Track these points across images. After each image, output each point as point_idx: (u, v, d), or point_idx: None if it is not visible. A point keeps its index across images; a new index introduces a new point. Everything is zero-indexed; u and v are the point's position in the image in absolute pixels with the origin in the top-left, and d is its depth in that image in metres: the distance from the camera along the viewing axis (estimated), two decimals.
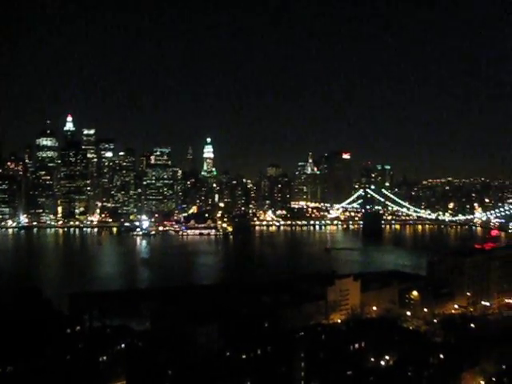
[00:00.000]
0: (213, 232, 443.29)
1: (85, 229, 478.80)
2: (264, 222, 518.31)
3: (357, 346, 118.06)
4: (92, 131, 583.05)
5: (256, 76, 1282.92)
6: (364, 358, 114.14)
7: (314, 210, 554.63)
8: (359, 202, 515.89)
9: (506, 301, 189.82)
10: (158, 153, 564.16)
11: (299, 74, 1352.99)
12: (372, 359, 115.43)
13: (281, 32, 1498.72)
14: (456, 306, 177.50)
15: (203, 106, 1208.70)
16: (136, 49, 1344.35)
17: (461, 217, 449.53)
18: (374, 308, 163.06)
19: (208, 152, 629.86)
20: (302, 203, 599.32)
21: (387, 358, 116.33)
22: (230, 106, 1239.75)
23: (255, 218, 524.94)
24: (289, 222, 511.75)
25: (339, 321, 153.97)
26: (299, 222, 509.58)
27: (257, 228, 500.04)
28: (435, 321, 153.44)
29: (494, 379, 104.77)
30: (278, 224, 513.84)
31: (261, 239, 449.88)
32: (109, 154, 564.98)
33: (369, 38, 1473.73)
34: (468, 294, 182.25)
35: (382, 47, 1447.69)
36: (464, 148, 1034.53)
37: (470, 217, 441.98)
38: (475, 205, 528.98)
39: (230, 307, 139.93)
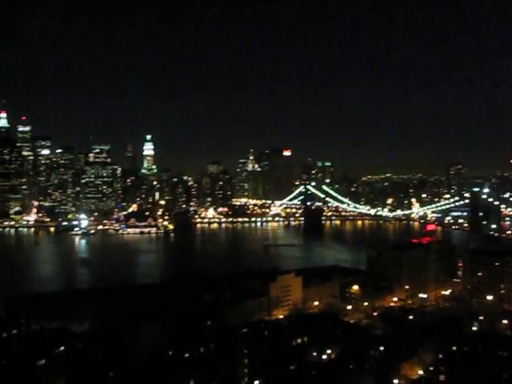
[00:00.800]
0: (153, 230, 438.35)
1: (21, 229, 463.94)
2: (205, 220, 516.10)
3: (299, 340, 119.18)
4: (28, 128, 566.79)
5: (196, 72, 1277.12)
6: (306, 353, 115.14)
7: (256, 207, 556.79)
8: (300, 198, 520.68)
9: (443, 292, 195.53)
10: (97, 150, 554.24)
11: (239, 70, 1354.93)
12: (314, 353, 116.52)
13: (215, 28, 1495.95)
14: (395, 299, 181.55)
15: (143, 102, 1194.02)
16: (72, 44, 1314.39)
17: (399, 212, 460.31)
18: (316, 303, 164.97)
19: (148, 149, 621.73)
20: (244, 200, 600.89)
21: (329, 351, 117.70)
22: (171, 102, 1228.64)
23: (196, 216, 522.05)
24: (230, 219, 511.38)
25: (282, 316, 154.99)
26: (241, 219, 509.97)
27: (198, 225, 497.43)
28: (375, 314, 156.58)
29: (431, 368, 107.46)
30: (219, 221, 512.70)
31: (202, 237, 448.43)
32: (45, 152, 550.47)
33: (309, 35, 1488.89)
34: (406, 287, 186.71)
35: (322, 47, 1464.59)
36: (401, 145, 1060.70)
37: (407, 212, 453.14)
38: (413, 200, 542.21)
39: (171, 305, 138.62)
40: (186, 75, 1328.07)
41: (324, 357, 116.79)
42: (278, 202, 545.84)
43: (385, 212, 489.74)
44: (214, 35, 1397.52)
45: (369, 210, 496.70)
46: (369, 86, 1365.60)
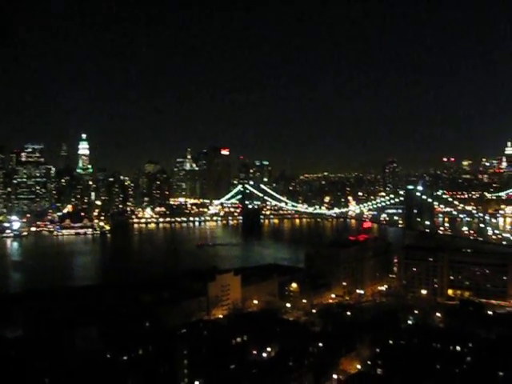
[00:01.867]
0: (89, 231, 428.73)
1: None
2: (143, 220, 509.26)
3: (239, 339, 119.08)
4: None
5: (132, 71, 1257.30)
6: (246, 351, 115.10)
7: (194, 207, 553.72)
8: (238, 197, 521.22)
9: (379, 288, 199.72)
10: (30, 149, 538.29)
11: (175, 69, 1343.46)
12: (254, 352, 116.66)
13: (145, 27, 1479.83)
14: (333, 296, 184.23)
15: (78, 100, 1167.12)
16: (4, 42, 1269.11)
17: (336, 210, 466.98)
18: (255, 301, 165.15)
19: (83, 148, 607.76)
20: (181, 200, 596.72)
21: (269, 349, 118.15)
22: (107, 101, 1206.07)
23: (133, 216, 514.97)
24: (168, 219, 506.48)
25: (221, 316, 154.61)
26: (178, 219, 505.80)
27: (135, 226, 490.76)
28: (314, 311, 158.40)
29: (369, 362, 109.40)
30: (157, 221, 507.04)
31: (140, 237, 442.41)
32: None
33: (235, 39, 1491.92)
34: (344, 283, 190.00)
35: (254, 45, 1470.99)
36: (338, 144, 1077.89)
37: (344, 210, 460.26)
38: (349, 198, 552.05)
39: (108, 307, 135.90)
40: (121, 73, 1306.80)
41: (264, 355, 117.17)
42: (216, 202, 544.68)
43: (322, 210, 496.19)
44: (148, 33, 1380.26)
45: (307, 208, 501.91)
46: (305, 85, 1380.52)
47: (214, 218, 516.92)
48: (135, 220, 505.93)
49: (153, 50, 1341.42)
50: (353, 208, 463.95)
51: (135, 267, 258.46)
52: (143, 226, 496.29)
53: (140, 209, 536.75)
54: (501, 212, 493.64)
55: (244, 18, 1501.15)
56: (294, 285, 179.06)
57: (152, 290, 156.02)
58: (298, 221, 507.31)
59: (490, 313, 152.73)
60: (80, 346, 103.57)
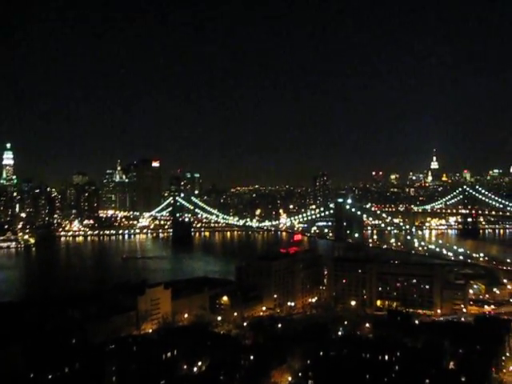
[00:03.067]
0: (13, 245, 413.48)
1: None
2: (70, 233, 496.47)
3: (169, 354, 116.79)
4: None
5: (59, 79, 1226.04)
6: (177, 366, 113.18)
7: (123, 219, 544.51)
8: (169, 210, 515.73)
9: (309, 300, 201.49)
10: None
11: (107, 79, 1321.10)
12: (185, 366, 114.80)
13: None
14: (264, 308, 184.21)
15: (2, 108, 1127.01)
16: None
17: (267, 223, 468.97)
18: (186, 315, 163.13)
19: (7, 158, 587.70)
20: (111, 212, 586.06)
21: (200, 363, 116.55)
22: (33, 108, 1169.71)
23: (60, 229, 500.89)
24: (96, 232, 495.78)
25: (151, 331, 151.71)
26: (107, 232, 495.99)
27: (62, 239, 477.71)
28: (245, 324, 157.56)
29: (300, 374, 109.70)
30: (85, 234, 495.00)
31: (67, 251, 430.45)
32: None
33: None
34: (275, 296, 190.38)
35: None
36: (269, 157, 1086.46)
37: (275, 222, 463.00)
38: (280, 211, 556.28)
39: (33, 324, 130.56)
40: (48, 80, 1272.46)
41: (195, 369, 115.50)
42: (146, 214, 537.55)
43: (253, 223, 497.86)
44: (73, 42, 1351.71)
45: (238, 220, 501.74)
46: (233, 98, 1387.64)
47: (145, 231, 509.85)
48: (62, 233, 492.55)
49: (82, 58, 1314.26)
50: (284, 221, 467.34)
51: (61, 282, 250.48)
52: (70, 239, 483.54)
53: (67, 221, 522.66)
54: (426, 224, 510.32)
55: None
56: (225, 298, 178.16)
57: (79, 305, 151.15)
58: (228, 233, 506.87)
59: (416, 322, 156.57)
60: (1, 365, 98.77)
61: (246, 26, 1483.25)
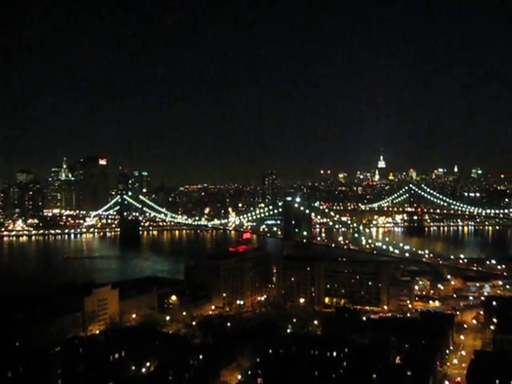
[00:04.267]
0: None
1: None
2: (13, 233, 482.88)
3: (117, 355, 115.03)
4: None
5: (2, 77, 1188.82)
6: (125, 367, 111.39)
7: (69, 218, 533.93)
8: (116, 208, 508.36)
9: (258, 298, 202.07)
10: None
11: (52, 76, 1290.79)
12: (133, 367, 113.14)
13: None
14: (213, 307, 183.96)
15: None
16: None
17: (216, 221, 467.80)
18: (134, 315, 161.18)
19: None
20: (56, 211, 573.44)
21: (148, 364, 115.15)
22: None
23: (3, 229, 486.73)
24: (41, 232, 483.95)
25: (98, 332, 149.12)
26: (53, 231, 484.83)
27: (5, 239, 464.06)
28: (194, 323, 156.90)
29: (249, 372, 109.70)
30: (29, 234, 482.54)
31: (10, 251, 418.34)
32: None
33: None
34: (224, 294, 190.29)
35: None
36: (218, 156, 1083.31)
37: (224, 221, 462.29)
38: (229, 209, 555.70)
39: None
40: None
41: (143, 370, 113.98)
42: (93, 213, 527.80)
43: (202, 221, 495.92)
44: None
45: (186, 219, 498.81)
46: (184, 97, 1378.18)
47: (91, 230, 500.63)
48: (5, 233, 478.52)
49: (24, 55, 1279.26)
50: (232, 219, 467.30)
51: (3, 282, 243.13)
52: (14, 239, 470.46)
53: (10, 221, 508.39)
54: (374, 222, 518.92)
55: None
56: (174, 297, 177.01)
57: (23, 307, 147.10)
58: (177, 232, 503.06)
59: (364, 318, 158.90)
60: None
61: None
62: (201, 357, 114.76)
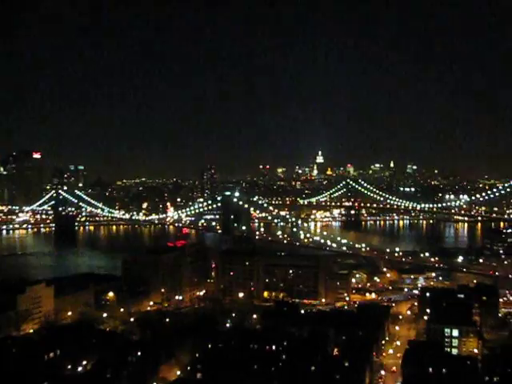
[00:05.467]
0: None
1: None
2: None
3: (52, 354, 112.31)
4: None
5: None
6: (60, 366, 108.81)
7: (1, 214, 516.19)
8: (51, 203, 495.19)
9: (197, 293, 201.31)
10: None
11: None
12: (69, 366, 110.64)
13: None
14: (151, 303, 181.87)
15: None
16: None
17: (154, 216, 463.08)
18: (70, 313, 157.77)
19: None
20: None
21: (85, 362, 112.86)
22: None
23: None
24: None
25: (32, 331, 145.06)
26: None
27: None
28: (132, 319, 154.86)
29: (188, 368, 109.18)
30: None
31: None
32: None
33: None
34: (163, 290, 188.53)
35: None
36: (156, 150, 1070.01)
37: (162, 216, 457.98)
38: (168, 204, 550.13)
39: None
40: None
41: (80, 368, 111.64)
42: (26, 208, 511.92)
43: (140, 216, 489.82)
44: None
45: (124, 214, 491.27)
46: (122, 91, 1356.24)
47: (24, 226, 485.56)
48: None
49: None
50: (171, 214, 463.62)
51: None
52: None
53: None
54: (312, 217, 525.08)
55: None
56: (111, 294, 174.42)
57: None
58: (114, 228, 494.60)
59: (302, 312, 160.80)
60: None
61: None
62: (139, 353, 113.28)
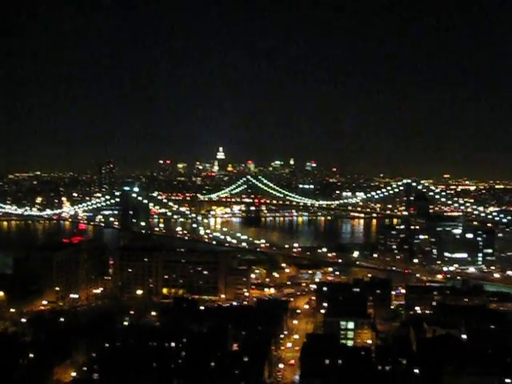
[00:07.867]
0: None
1: None
2: None
3: None
4: None
5: None
6: None
7: None
8: None
9: (94, 291, 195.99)
10: None
11: None
12: None
13: None
14: (45, 302, 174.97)
15: None
16: None
17: (49, 211, 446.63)
18: None
19: None
20: None
21: None
22: None
23: None
24: None
25: None
26: None
27: None
28: (24, 320, 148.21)
29: (85, 368, 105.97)
30: None
31: None
32: None
33: None
34: (57, 288, 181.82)
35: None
36: (52, 143, 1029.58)
37: (58, 211, 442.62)
38: (63, 199, 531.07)
39: None
40: None
41: None
42: None
43: (34, 211, 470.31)
44: None
45: (16, 209, 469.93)
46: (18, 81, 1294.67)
47: None
48: None
49: None
50: (67, 209, 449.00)
51: None
52: None
53: None
54: (212, 213, 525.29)
55: None
56: (1, 293, 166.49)
57: None
58: (5, 223, 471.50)
59: (202, 308, 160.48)
60: None
61: None
62: (32, 355, 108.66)
